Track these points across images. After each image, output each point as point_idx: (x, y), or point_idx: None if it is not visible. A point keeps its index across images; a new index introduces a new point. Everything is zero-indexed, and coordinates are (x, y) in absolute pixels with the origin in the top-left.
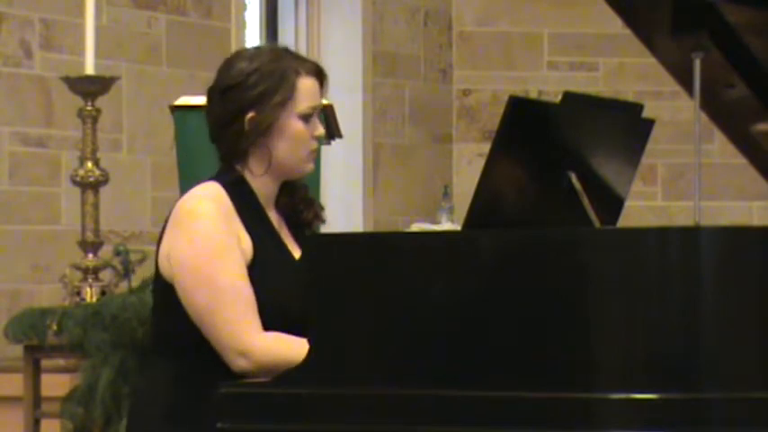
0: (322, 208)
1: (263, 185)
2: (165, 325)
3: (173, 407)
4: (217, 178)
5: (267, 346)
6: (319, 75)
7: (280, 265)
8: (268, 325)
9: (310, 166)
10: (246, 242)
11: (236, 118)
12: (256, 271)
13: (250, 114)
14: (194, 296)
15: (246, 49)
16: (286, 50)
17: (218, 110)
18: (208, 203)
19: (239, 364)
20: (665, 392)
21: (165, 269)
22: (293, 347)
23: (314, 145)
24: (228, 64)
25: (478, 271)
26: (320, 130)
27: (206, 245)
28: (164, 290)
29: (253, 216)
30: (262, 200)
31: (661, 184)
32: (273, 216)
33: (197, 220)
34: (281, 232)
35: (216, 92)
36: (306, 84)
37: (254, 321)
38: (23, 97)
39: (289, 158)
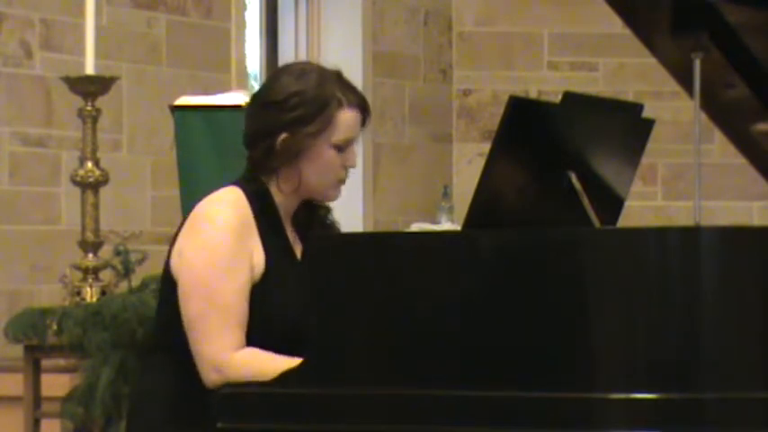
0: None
1: (285, 200)
2: (170, 319)
3: (175, 403)
4: (241, 184)
5: (241, 363)
6: (363, 109)
7: (291, 279)
8: (275, 336)
9: (335, 194)
10: (259, 254)
11: (270, 135)
12: (267, 282)
13: (283, 135)
14: (188, 302)
15: (296, 64)
16: (336, 76)
17: (255, 121)
18: (227, 211)
19: (212, 377)
20: (665, 392)
21: (176, 265)
22: (265, 365)
23: (342, 174)
24: (275, 76)
25: (478, 271)
26: (352, 161)
27: (213, 256)
28: (171, 284)
29: (270, 228)
30: (281, 213)
31: (661, 184)
32: (289, 230)
33: (212, 228)
34: (296, 246)
35: (257, 101)
36: (346, 116)
37: (236, 338)
38: (23, 97)
39: (315, 183)
